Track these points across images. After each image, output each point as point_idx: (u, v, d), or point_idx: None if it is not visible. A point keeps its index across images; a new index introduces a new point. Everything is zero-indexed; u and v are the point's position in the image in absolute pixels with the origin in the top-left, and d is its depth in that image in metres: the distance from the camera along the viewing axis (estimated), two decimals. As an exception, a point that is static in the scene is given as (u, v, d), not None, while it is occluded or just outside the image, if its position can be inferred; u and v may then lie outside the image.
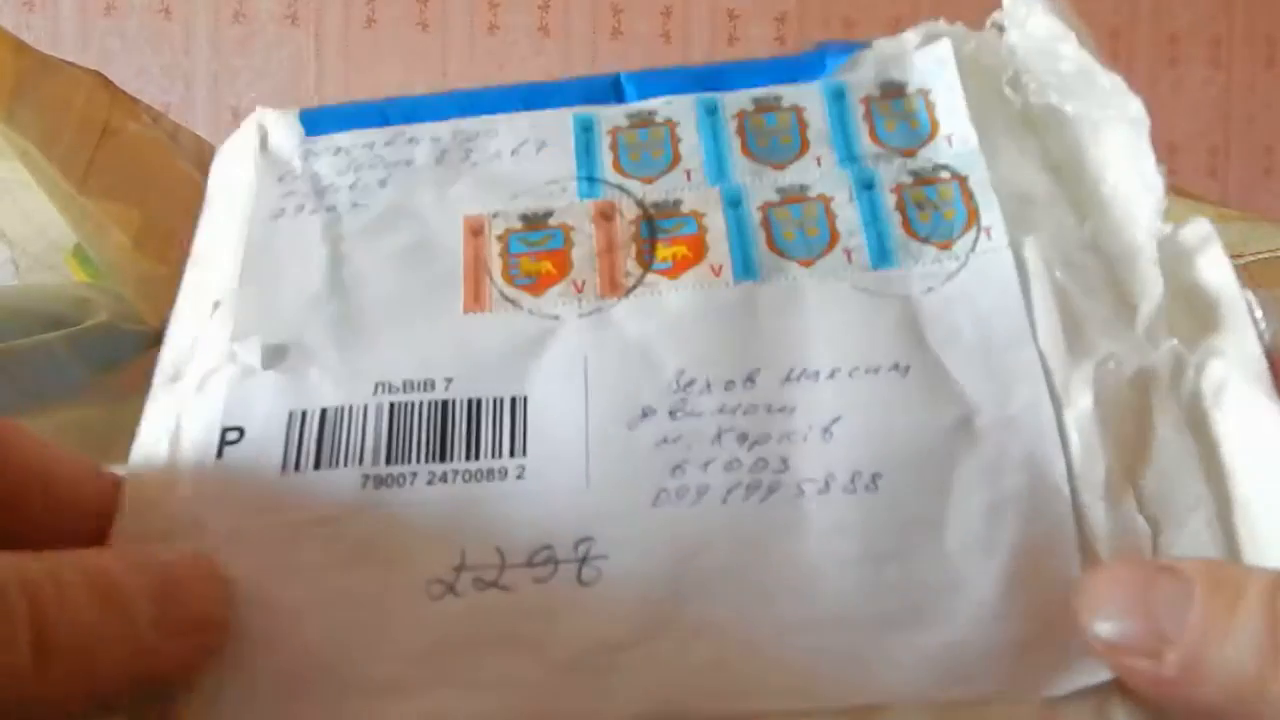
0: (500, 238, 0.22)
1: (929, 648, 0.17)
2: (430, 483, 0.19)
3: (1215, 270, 0.20)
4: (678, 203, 0.22)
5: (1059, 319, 0.20)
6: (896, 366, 0.20)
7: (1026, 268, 0.20)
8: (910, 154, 0.23)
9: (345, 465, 0.19)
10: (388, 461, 0.19)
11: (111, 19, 0.93)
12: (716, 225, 0.22)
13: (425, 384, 0.20)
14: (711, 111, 0.23)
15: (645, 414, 0.19)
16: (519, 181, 0.23)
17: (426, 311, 0.21)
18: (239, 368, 0.20)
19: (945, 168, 0.22)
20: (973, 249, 0.21)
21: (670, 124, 0.23)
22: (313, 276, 0.21)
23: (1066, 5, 0.22)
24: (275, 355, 0.20)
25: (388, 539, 0.18)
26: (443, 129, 0.24)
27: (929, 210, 0.21)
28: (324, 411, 0.19)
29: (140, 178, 0.35)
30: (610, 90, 0.24)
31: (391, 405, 0.19)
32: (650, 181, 0.22)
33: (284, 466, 0.19)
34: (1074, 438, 0.19)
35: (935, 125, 0.23)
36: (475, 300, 0.21)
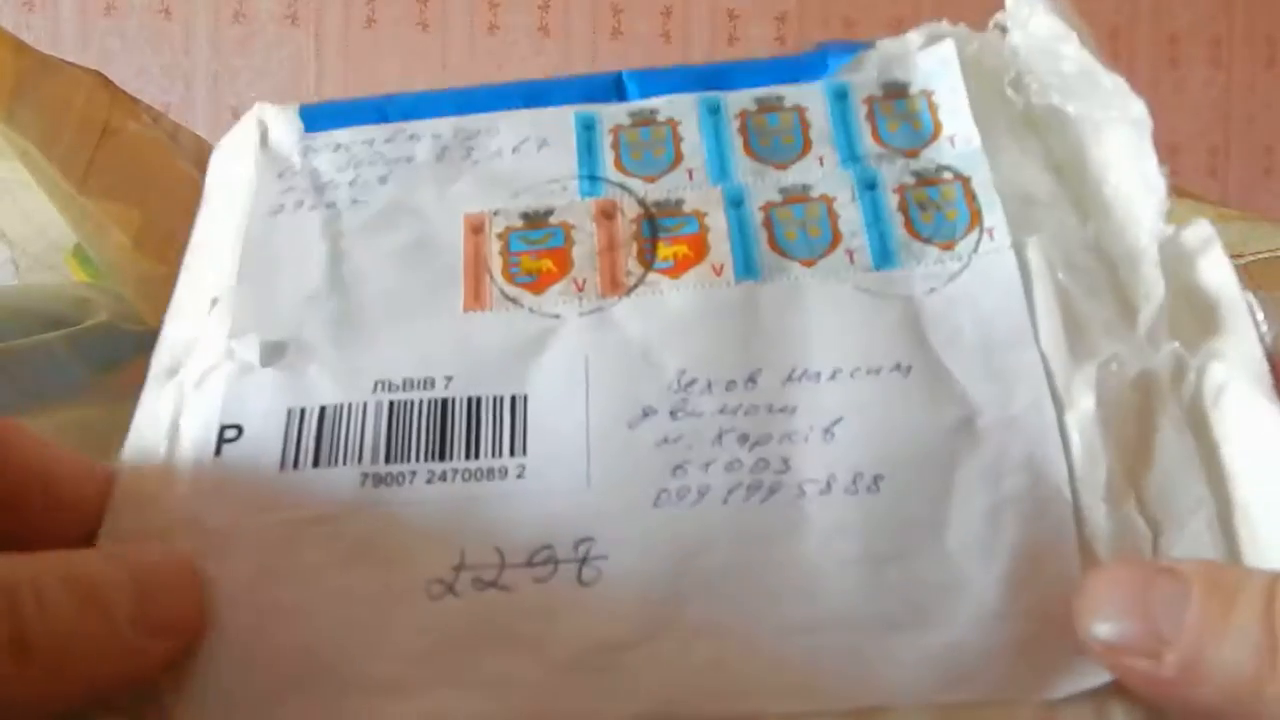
0: (501, 236, 0.22)
1: (930, 648, 0.17)
2: (430, 482, 0.19)
3: (1216, 272, 0.20)
4: (679, 202, 0.22)
5: (1061, 320, 0.20)
6: (898, 367, 0.19)
7: (1029, 269, 0.20)
8: (913, 154, 0.22)
9: (344, 464, 0.19)
10: (387, 460, 0.19)
11: (111, 19, 0.93)
12: (718, 225, 0.22)
13: (425, 382, 0.20)
14: (714, 111, 0.23)
15: (646, 414, 0.19)
16: (520, 179, 0.23)
17: (426, 309, 0.21)
18: (237, 365, 0.20)
19: (948, 168, 0.22)
20: (975, 250, 0.21)
21: (672, 123, 0.23)
22: (312, 273, 0.21)
23: (1068, 6, 0.22)
24: (274, 353, 0.20)
25: (387, 538, 0.18)
26: (444, 126, 0.24)
27: (931, 211, 0.21)
28: (323, 409, 0.19)
29: (140, 178, 0.35)
30: (612, 88, 0.24)
31: (391, 403, 0.19)
32: (652, 180, 0.22)
33: (282, 464, 0.19)
34: (1075, 439, 0.19)
35: (938, 126, 0.23)
36: (475, 298, 0.21)
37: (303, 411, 0.19)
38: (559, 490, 0.18)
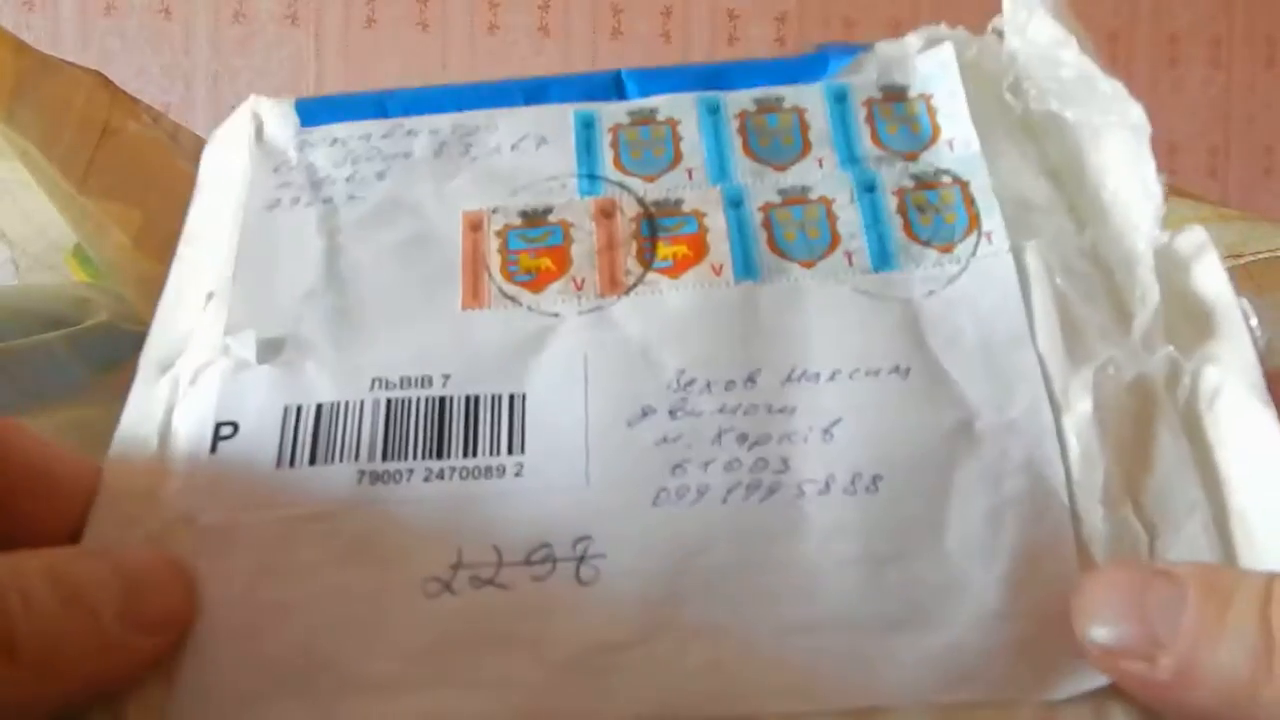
0: (499, 233, 0.22)
1: (929, 649, 0.17)
2: (427, 480, 0.19)
3: (1210, 278, 0.20)
4: (679, 201, 0.22)
5: (1059, 324, 0.20)
6: (897, 369, 0.19)
7: (1027, 273, 0.20)
8: (912, 157, 0.23)
9: (341, 461, 0.19)
10: (384, 458, 0.19)
11: (111, 19, 0.93)
12: (717, 225, 0.22)
13: (423, 380, 0.20)
14: (713, 111, 0.23)
15: (645, 413, 0.19)
16: (519, 177, 0.23)
17: (424, 307, 0.21)
18: (233, 361, 0.20)
19: (947, 172, 0.22)
20: (974, 253, 0.21)
21: (672, 122, 0.23)
22: (308, 269, 0.21)
23: (1067, 11, 0.22)
24: (270, 349, 0.20)
25: (384, 536, 0.18)
26: (442, 122, 0.24)
27: (930, 214, 0.22)
28: (319, 407, 0.19)
29: (140, 178, 0.35)
30: (612, 87, 0.24)
31: (388, 401, 0.19)
32: (651, 180, 0.22)
33: (278, 462, 0.19)
34: (1073, 442, 0.19)
35: (937, 129, 0.23)
36: (474, 296, 0.21)
37: (299, 409, 0.19)
38: (557, 489, 0.18)
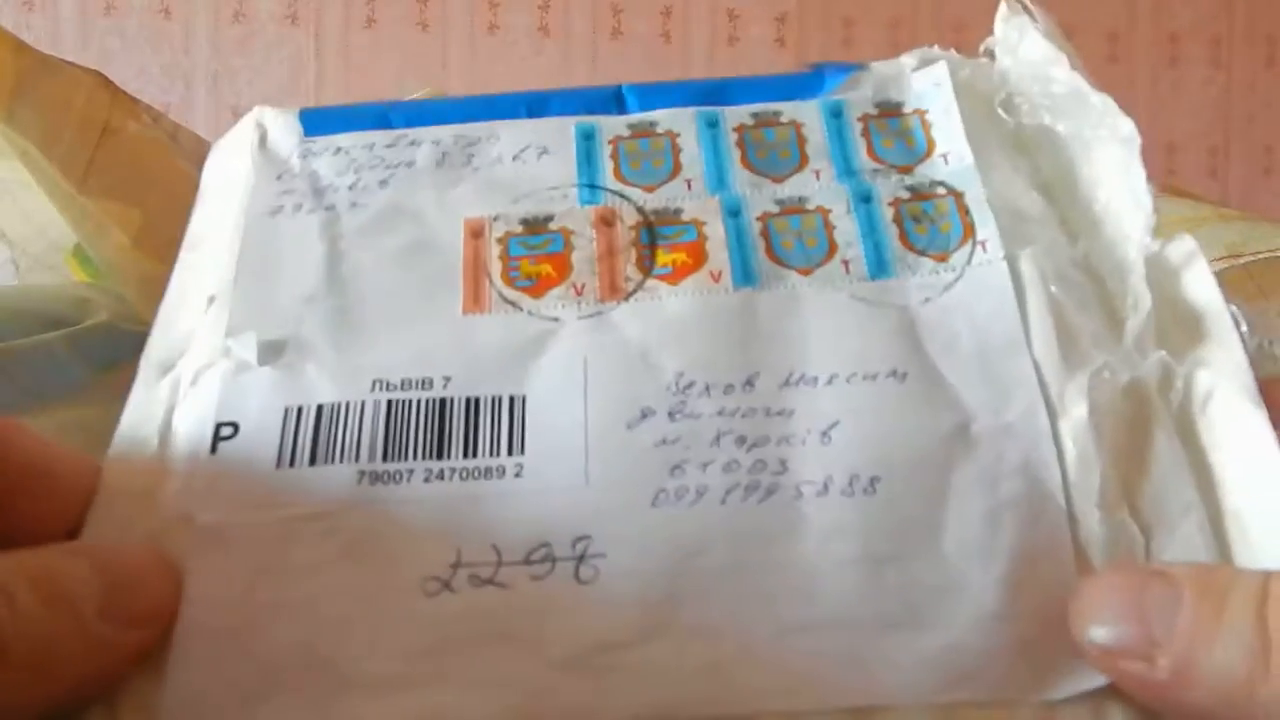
0: (500, 240, 0.22)
1: (928, 650, 0.17)
2: (427, 480, 0.19)
3: (1201, 285, 0.20)
4: (678, 211, 0.22)
5: (1053, 331, 0.20)
6: (894, 373, 0.20)
7: (1021, 280, 0.21)
8: (907, 170, 0.23)
9: (341, 462, 0.19)
10: (384, 458, 0.19)
11: (111, 19, 0.93)
12: (716, 233, 0.22)
13: (423, 382, 0.20)
14: (712, 124, 0.24)
15: (644, 415, 0.19)
16: (520, 186, 0.23)
17: (425, 311, 0.21)
18: (234, 363, 0.20)
19: (941, 184, 0.23)
20: (969, 261, 0.21)
21: (671, 135, 0.24)
22: (310, 273, 0.22)
23: (1057, 31, 0.23)
24: (271, 351, 0.20)
25: (383, 535, 0.18)
26: (444, 133, 0.24)
27: (925, 224, 0.22)
28: (320, 408, 0.19)
29: (140, 178, 0.35)
30: (612, 101, 0.25)
31: (389, 403, 0.20)
32: (651, 190, 0.23)
33: (279, 462, 0.19)
34: (1069, 445, 0.19)
35: (931, 144, 0.23)
36: (475, 301, 0.21)
37: (300, 410, 0.19)
38: (557, 489, 0.19)
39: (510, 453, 0.19)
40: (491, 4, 0.96)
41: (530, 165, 0.23)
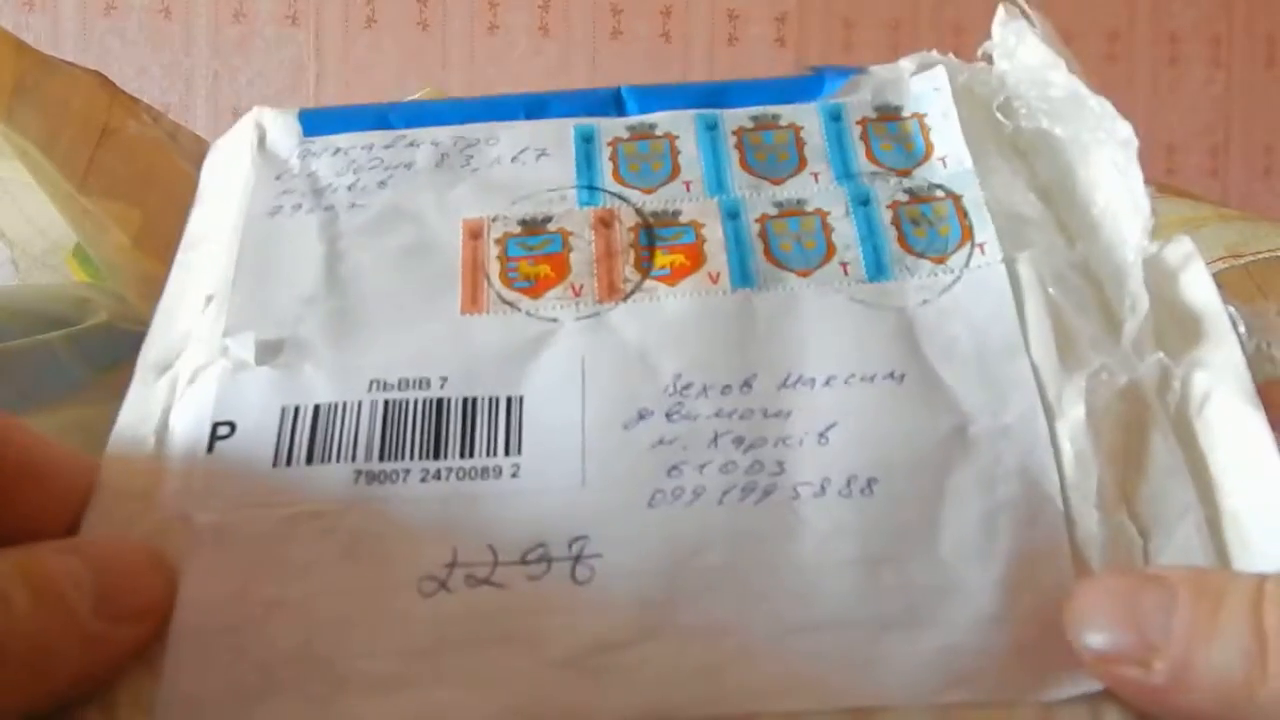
0: (499, 241, 0.22)
1: (925, 651, 0.17)
2: (424, 480, 0.19)
3: (1198, 287, 0.20)
4: (677, 213, 0.22)
5: (1052, 333, 0.20)
6: (892, 375, 0.20)
7: (1020, 283, 0.21)
8: (905, 173, 0.23)
9: (338, 461, 0.19)
10: (381, 458, 0.19)
11: (111, 19, 0.93)
12: (715, 235, 0.22)
13: (420, 382, 0.20)
14: (711, 127, 0.24)
15: (642, 415, 0.19)
16: (519, 187, 0.23)
17: (423, 311, 0.21)
18: (231, 363, 0.20)
19: (940, 187, 0.23)
20: (967, 264, 0.21)
21: (670, 137, 0.24)
22: (309, 273, 0.22)
23: (1055, 36, 0.23)
24: (269, 351, 0.20)
25: (380, 535, 0.18)
26: (443, 134, 0.24)
27: (924, 226, 0.22)
28: (317, 407, 0.20)
29: (140, 178, 0.35)
30: (611, 103, 0.25)
31: (386, 402, 0.20)
32: (650, 192, 0.23)
33: (275, 461, 0.19)
34: (1066, 447, 0.19)
35: (930, 147, 0.23)
36: (473, 302, 0.21)
37: (297, 409, 0.20)
38: (553, 489, 0.19)
39: (507, 453, 0.19)
40: (491, 4, 0.96)
41: (529, 167, 0.23)
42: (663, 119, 0.24)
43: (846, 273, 0.21)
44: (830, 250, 0.22)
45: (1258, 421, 0.18)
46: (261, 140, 0.24)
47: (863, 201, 0.22)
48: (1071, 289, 0.21)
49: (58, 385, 0.32)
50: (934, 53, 0.25)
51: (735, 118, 0.24)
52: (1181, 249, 0.21)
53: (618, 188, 0.23)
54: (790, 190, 0.23)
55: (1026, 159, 0.24)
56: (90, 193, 0.34)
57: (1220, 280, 0.21)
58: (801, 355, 0.20)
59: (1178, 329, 0.20)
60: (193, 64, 0.93)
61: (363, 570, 0.18)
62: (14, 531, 0.17)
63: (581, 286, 0.21)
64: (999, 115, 0.24)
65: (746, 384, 0.20)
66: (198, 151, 0.39)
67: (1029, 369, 0.20)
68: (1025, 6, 0.24)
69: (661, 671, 0.17)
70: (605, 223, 0.22)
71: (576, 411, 0.19)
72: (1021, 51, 0.24)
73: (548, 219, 0.22)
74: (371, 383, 0.20)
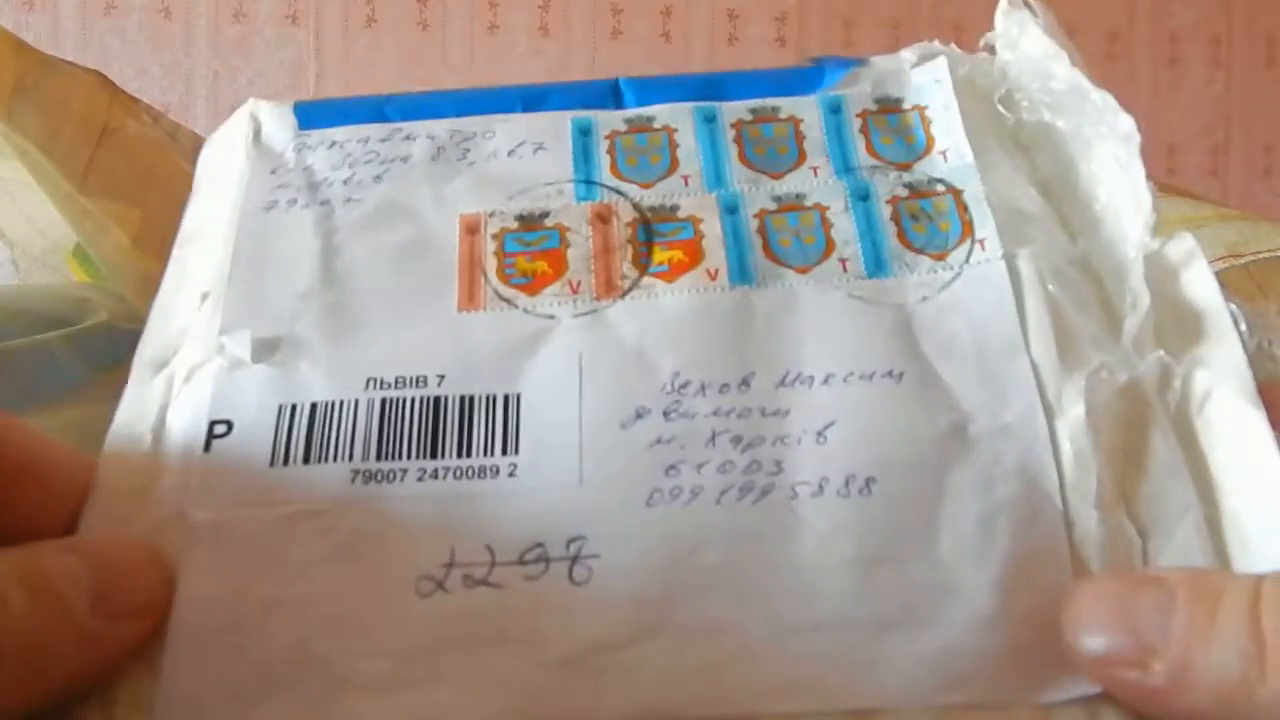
0: (496, 237, 0.22)
1: (924, 650, 0.17)
2: (421, 479, 0.19)
3: (1200, 284, 0.20)
4: (675, 208, 0.22)
5: (1052, 330, 0.20)
6: (891, 373, 0.20)
7: (1020, 279, 0.21)
8: (905, 168, 0.23)
9: (335, 460, 0.19)
10: (378, 457, 0.19)
11: (111, 19, 0.93)
12: (713, 231, 0.22)
13: (418, 380, 0.20)
14: (709, 120, 0.24)
15: (639, 414, 0.19)
16: (516, 182, 0.23)
17: (420, 308, 0.21)
18: (228, 360, 0.20)
19: (940, 181, 0.22)
20: (967, 260, 0.21)
21: (668, 130, 0.23)
22: (305, 270, 0.21)
23: (1057, 27, 0.23)
24: (265, 349, 0.20)
25: (377, 534, 0.18)
26: (439, 127, 0.24)
27: (924, 222, 0.22)
28: (314, 406, 0.19)
29: (140, 177, 0.35)
30: (609, 95, 0.24)
31: (383, 401, 0.19)
32: (648, 186, 0.23)
33: (272, 460, 0.19)
34: (1066, 447, 0.19)
35: (930, 140, 0.23)
36: (470, 299, 0.21)
37: (294, 408, 0.19)
38: (551, 489, 0.18)
39: (504, 452, 0.19)
40: (491, 4, 0.96)
41: (526, 161, 0.23)
42: (661, 111, 0.24)
43: (845, 269, 0.21)
44: (829, 246, 0.22)
45: (1258, 421, 0.18)
46: (256, 134, 0.24)
47: (862, 196, 0.22)
48: (1072, 285, 0.21)
49: (57, 385, 0.32)
50: (935, 43, 0.24)
51: (734, 110, 0.24)
52: (1183, 246, 0.21)
53: (615, 182, 0.23)
54: (789, 185, 0.23)
55: (1028, 153, 0.24)
56: (90, 193, 0.34)
57: (1221, 279, 0.21)
58: (800, 353, 0.20)
59: (1179, 327, 0.20)
60: (193, 64, 0.93)
61: (360, 570, 0.18)
62: (13, 531, 0.17)
63: (579, 283, 0.21)
64: (1000, 108, 0.24)
65: (745, 382, 0.20)
66: (198, 151, 0.39)
67: (1029, 367, 0.20)
68: None
69: (659, 672, 0.17)
70: (603, 218, 0.22)
71: (574, 410, 0.19)
72: (1024, 42, 0.23)
73: (545, 214, 0.22)
74: (368, 381, 0.20)
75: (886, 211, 0.22)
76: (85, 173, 0.34)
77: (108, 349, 0.33)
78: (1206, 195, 0.53)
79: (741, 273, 0.21)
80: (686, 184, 0.23)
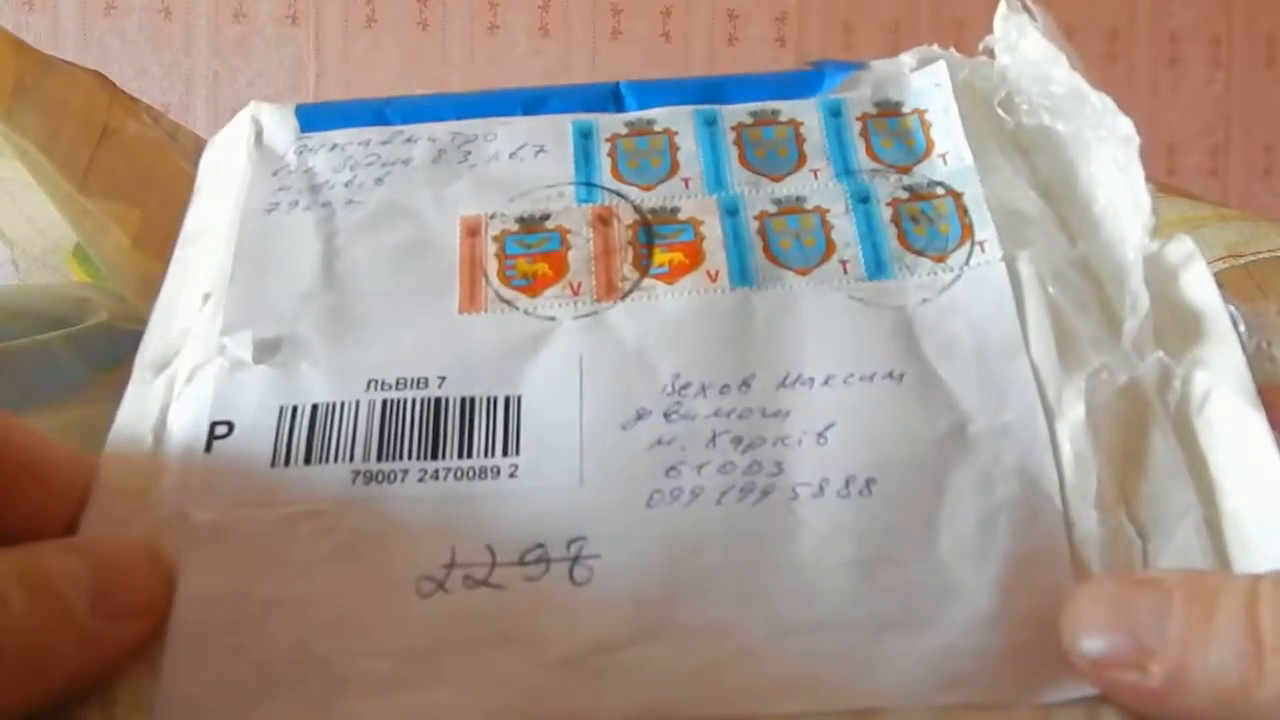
0: (497, 238, 0.22)
1: (923, 651, 0.17)
2: (421, 480, 0.19)
3: (1199, 286, 0.20)
4: (675, 210, 0.22)
5: (1051, 332, 0.20)
6: (891, 374, 0.20)
7: (1020, 281, 0.21)
8: (905, 170, 0.23)
9: (335, 461, 0.19)
10: (379, 458, 0.19)
11: (111, 19, 0.93)
12: (713, 233, 0.22)
13: (418, 381, 0.20)
14: (710, 123, 0.24)
15: (640, 415, 0.19)
16: (517, 184, 0.23)
17: (421, 310, 0.21)
18: (229, 361, 0.20)
19: (940, 184, 0.23)
20: (967, 262, 0.21)
21: (669, 133, 0.24)
22: (306, 271, 0.22)
23: (1056, 31, 0.23)
24: (267, 350, 0.20)
25: (378, 535, 0.18)
26: (440, 130, 0.24)
27: (924, 224, 0.22)
28: (315, 407, 0.19)
29: (140, 177, 0.35)
30: (610, 99, 0.25)
31: (384, 402, 0.20)
32: (648, 189, 0.23)
33: (273, 461, 0.19)
34: (1066, 448, 0.19)
35: (930, 144, 0.23)
36: (471, 300, 0.21)
37: (295, 409, 0.19)
38: (552, 489, 0.19)
39: (505, 453, 0.19)
40: (491, 4, 0.96)
41: (527, 163, 0.23)
42: (661, 115, 0.24)
43: (846, 271, 0.21)
44: (829, 248, 0.22)
45: (1258, 421, 0.18)
46: (258, 136, 0.24)
47: (862, 199, 0.22)
48: (1071, 287, 0.21)
49: (57, 385, 0.32)
50: (935, 47, 0.24)
51: (734, 113, 0.24)
52: (1182, 248, 0.21)
53: (616, 184, 0.23)
54: (789, 187, 0.23)
55: (1027, 156, 0.24)
56: (90, 193, 0.34)
57: (1220, 280, 0.21)
58: (800, 354, 0.20)
59: (1178, 328, 0.20)
60: (193, 64, 0.93)
61: (361, 571, 0.18)
62: (14, 531, 0.17)
63: (579, 285, 0.21)
64: (1000, 111, 0.24)
65: (745, 384, 0.20)
66: (197, 151, 0.39)
67: (1029, 368, 0.20)
68: (1027, 0, 0.24)
69: (660, 672, 0.17)
70: (603, 220, 0.22)
71: (574, 411, 0.19)
72: (1023, 46, 0.23)
73: (545, 216, 0.22)
74: (369, 382, 0.20)
75: (887, 214, 0.22)
76: (85, 173, 0.34)
77: (108, 349, 0.33)
78: (1206, 195, 0.53)
79: (742, 274, 0.21)
80: (687, 186, 0.23)
